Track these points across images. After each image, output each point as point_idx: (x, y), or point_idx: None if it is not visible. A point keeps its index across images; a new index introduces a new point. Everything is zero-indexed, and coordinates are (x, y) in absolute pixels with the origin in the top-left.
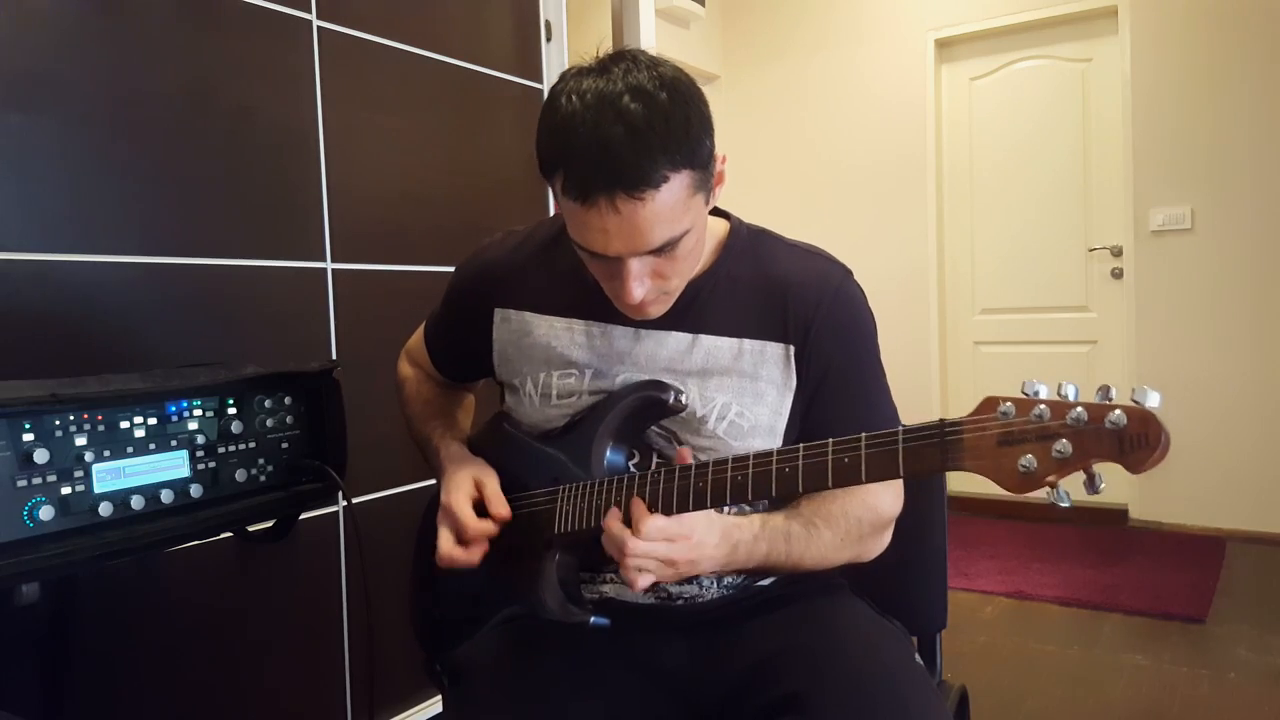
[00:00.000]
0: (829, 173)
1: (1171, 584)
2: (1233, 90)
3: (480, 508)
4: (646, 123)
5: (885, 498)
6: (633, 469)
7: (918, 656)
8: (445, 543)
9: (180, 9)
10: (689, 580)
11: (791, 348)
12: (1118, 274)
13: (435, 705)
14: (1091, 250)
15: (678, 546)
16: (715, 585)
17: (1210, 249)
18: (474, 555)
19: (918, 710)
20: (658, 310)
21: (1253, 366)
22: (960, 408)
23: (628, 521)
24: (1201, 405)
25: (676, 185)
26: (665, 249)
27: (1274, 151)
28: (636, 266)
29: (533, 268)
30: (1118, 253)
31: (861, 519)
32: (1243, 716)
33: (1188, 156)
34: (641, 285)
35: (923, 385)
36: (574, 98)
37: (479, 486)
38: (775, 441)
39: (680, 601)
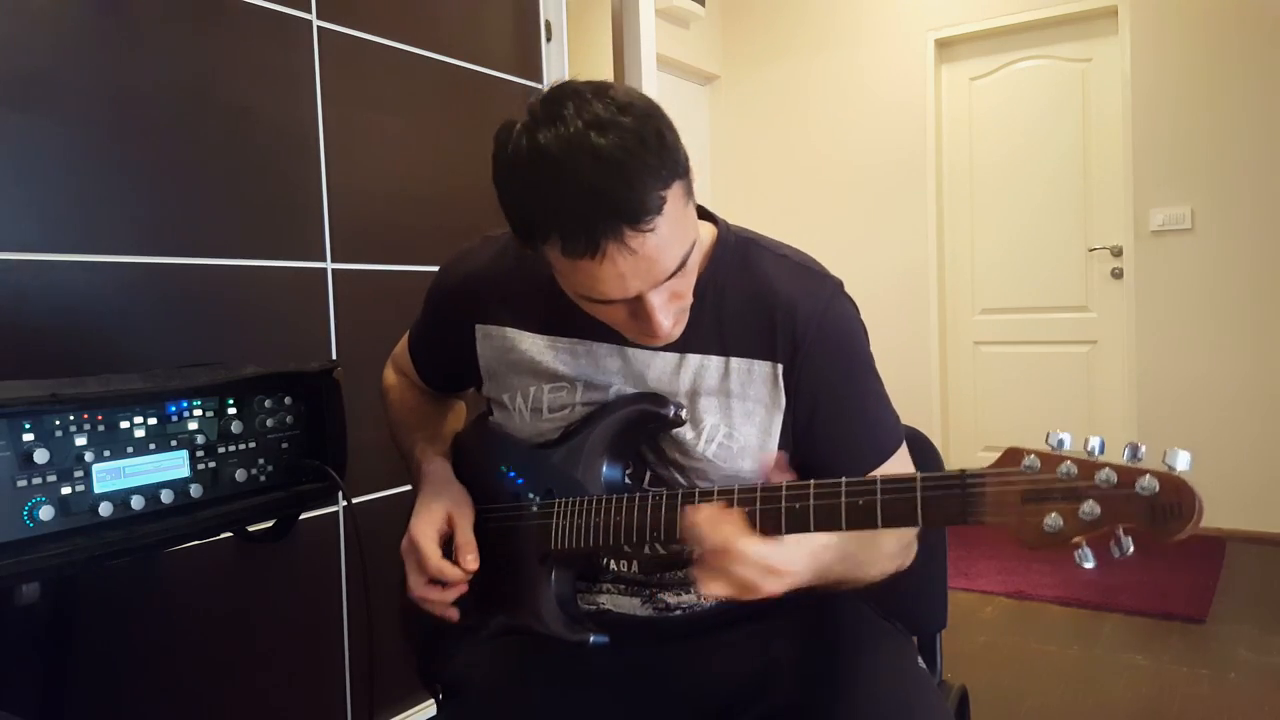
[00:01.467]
0: (829, 173)
1: (1171, 584)
2: (1233, 90)
3: (451, 543)
4: (624, 151)
5: None
6: (628, 480)
7: (919, 658)
8: (413, 582)
9: (180, 9)
10: (687, 590)
11: (780, 366)
12: (1118, 274)
13: (434, 706)
14: (1091, 250)
15: (774, 581)
16: None
17: (1210, 249)
18: (447, 596)
19: (918, 712)
20: (679, 330)
21: (1253, 366)
22: (960, 408)
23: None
24: (1201, 405)
25: (673, 202)
26: (679, 269)
27: (1274, 151)
28: (657, 299)
29: (512, 280)
30: (1118, 253)
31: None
32: (1243, 716)
33: (1188, 156)
34: (667, 314)
35: (923, 385)
36: (536, 155)
37: (451, 524)
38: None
39: (678, 612)
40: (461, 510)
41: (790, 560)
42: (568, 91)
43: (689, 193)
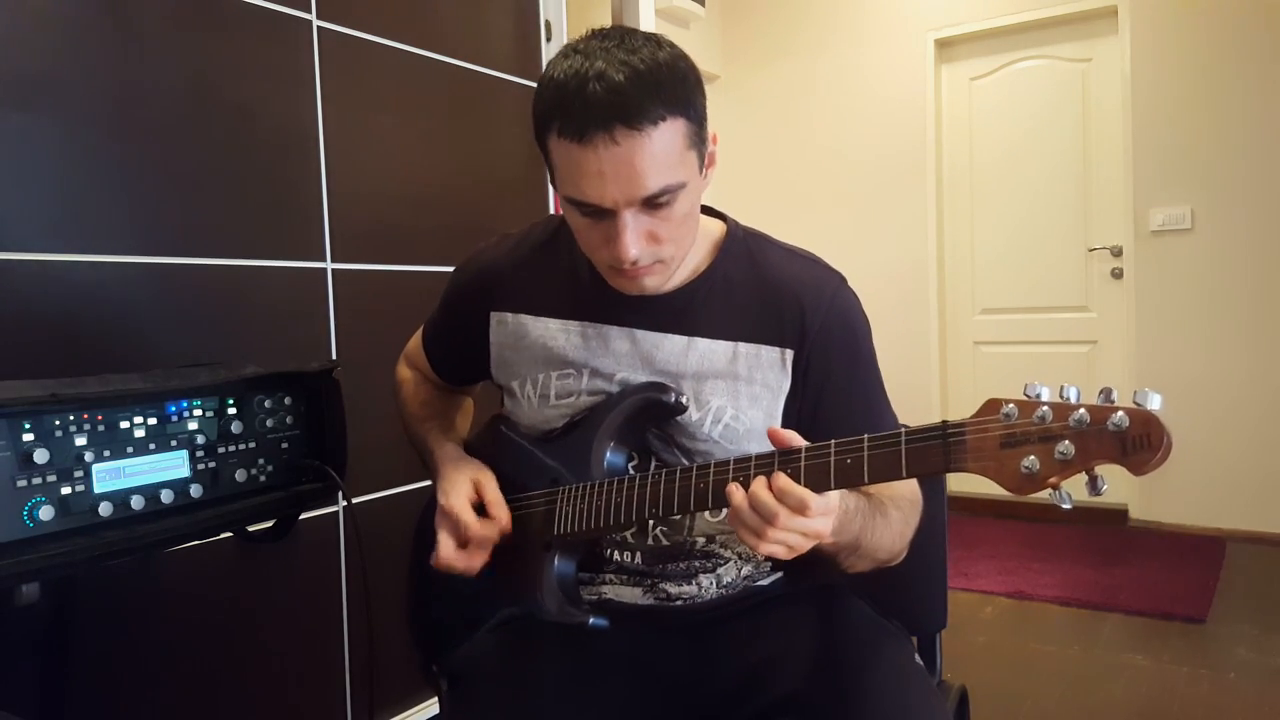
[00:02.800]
0: (829, 173)
1: (1171, 584)
2: (1232, 90)
3: (480, 511)
4: (646, 66)
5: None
6: (631, 471)
7: (917, 657)
8: (446, 548)
9: (180, 9)
10: (688, 581)
11: (789, 352)
12: (1118, 274)
13: (434, 706)
14: (1091, 250)
15: (827, 521)
16: (714, 586)
17: (1210, 249)
18: (475, 561)
19: (917, 711)
20: (654, 282)
21: (1252, 366)
22: (960, 408)
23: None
24: (1201, 405)
25: (671, 131)
26: (660, 200)
27: (1274, 151)
28: (631, 220)
29: (528, 269)
30: (1118, 253)
31: (914, 502)
32: (1243, 716)
33: (1187, 156)
34: (637, 243)
35: (923, 385)
36: (572, 55)
37: (478, 489)
38: (769, 445)
39: (679, 602)
40: (485, 475)
41: (832, 500)
42: (623, 27)
43: (694, 140)
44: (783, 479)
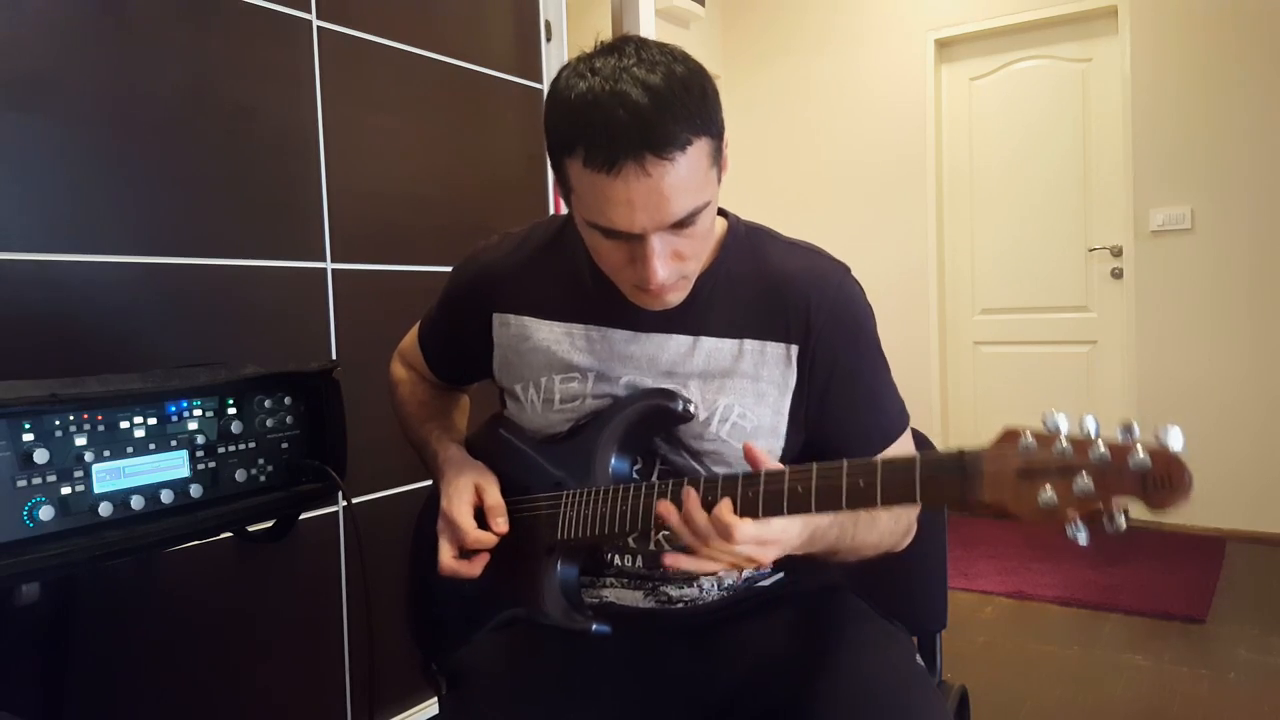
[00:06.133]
0: (829, 173)
1: (1171, 584)
2: (1232, 90)
3: (481, 514)
4: (668, 88)
5: None
6: (636, 476)
7: (918, 657)
8: (446, 554)
9: (180, 9)
10: (689, 583)
11: (794, 347)
12: (1118, 274)
13: (434, 706)
14: (1091, 250)
15: (765, 550)
16: (716, 588)
17: (1210, 249)
18: (475, 568)
19: (918, 712)
20: (676, 297)
21: (1253, 366)
22: (960, 408)
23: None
24: (1201, 405)
25: (697, 152)
26: (687, 222)
27: (1274, 151)
28: (659, 244)
29: (530, 271)
30: (1118, 253)
31: None
32: (1243, 716)
33: (1188, 156)
34: (665, 265)
35: (923, 385)
36: (588, 74)
37: (480, 493)
38: (777, 442)
39: (680, 604)
40: (487, 479)
41: (780, 530)
42: (632, 37)
43: (715, 158)
44: (722, 508)
